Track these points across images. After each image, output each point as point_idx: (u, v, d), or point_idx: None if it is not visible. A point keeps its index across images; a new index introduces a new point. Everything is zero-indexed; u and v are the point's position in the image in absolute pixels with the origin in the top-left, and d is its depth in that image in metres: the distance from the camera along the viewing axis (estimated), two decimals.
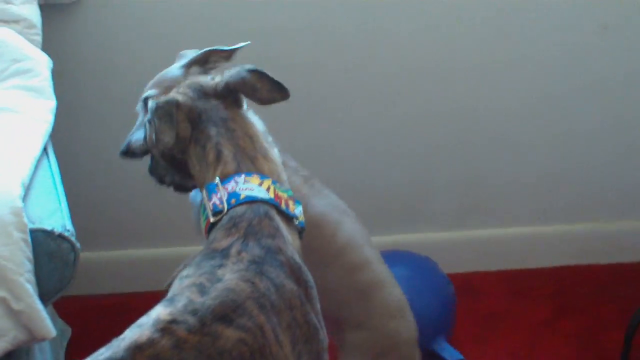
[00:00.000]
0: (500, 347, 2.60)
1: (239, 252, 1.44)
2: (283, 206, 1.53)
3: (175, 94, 1.57)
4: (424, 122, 2.74)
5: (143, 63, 2.49)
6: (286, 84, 1.59)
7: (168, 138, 1.52)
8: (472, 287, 2.82)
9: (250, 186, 1.51)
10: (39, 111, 1.85)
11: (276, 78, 1.59)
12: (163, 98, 1.56)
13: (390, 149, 2.76)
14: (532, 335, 2.64)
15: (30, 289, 1.55)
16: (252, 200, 1.50)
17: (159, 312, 1.34)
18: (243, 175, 1.51)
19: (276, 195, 1.52)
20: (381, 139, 2.74)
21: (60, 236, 1.61)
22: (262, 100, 1.59)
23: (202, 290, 1.38)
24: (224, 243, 1.46)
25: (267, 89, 1.58)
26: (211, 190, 1.52)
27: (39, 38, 2.09)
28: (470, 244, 2.89)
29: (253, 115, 1.64)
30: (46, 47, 2.18)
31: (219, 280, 1.39)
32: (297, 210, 1.56)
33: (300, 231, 1.57)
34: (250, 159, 1.55)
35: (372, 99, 2.69)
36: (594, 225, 2.92)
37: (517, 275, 2.88)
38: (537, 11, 2.61)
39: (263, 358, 1.37)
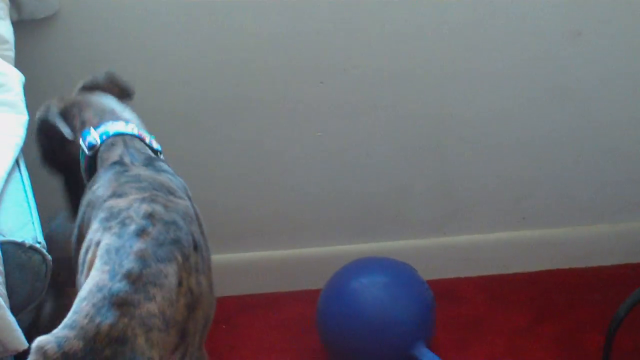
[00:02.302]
0: (480, 352, 2.60)
1: (131, 161, 1.71)
2: (147, 141, 1.80)
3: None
4: (402, 129, 2.74)
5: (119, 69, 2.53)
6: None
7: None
8: (452, 293, 2.83)
9: (118, 126, 1.79)
10: (10, 126, 1.86)
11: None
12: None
13: (368, 155, 2.76)
14: (513, 340, 2.64)
15: (0, 300, 1.56)
16: (121, 134, 1.77)
17: (130, 197, 1.58)
18: (110, 122, 1.80)
19: (140, 133, 1.80)
20: (358, 146, 2.75)
21: (32, 248, 1.62)
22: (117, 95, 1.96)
23: (135, 181, 1.63)
24: (113, 156, 1.72)
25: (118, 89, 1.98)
26: (85, 135, 1.79)
27: (11, 54, 2.10)
28: (451, 251, 2.90)
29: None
30: (20, 63, 2.19)
31: (139, 174, 1.66)
32: (159, 147, 1.83)
33: None
34: (112, 114, 1.84)
35: (349, 106, 2.69)
36: (573, 230, 2.93)
37: (497, 281, 2.89)
38: (513, 17, 2.62)
39: (194, 221, 1.64)
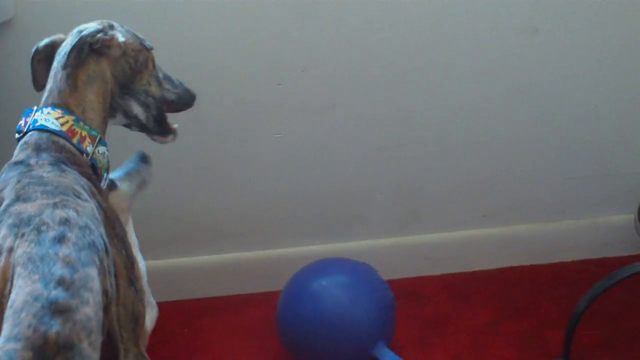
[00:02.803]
0: (443, 351, 2.60)
1: (36, 162, 1.65)
2: (75, 140, 1.72)
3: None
4: (362, 129, 2.75)
5: None
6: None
7: None
8: (414, 292, 2.83)
9: (47, 117, 1.72)
10: None
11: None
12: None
13: (328, 156, 2.77)
14: (476, 337, 2.64)
15: None
16: (42, 129, 1.71)
17: (39, 202, 1.54)
18: (48, 108, 1.73)
19: (71, 130, 1.72)
20: (318, 146, 2.76)
21: None
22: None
23: (40, 184, 1.59)
24: (21, 156, 1.67)
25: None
26: (25, 114, 1.75)
27: None
28: (412, 250, 2.90)
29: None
30: None
31: (42, 176, 1.61)
32: (95, 149, 1.75)
33: (93, 167, 1.76)
34: (61, 94, 1.76)
35: (308, 106, 2.70)
36: (534, 227, 2.95)
37: (459, 279, 2.90)
38: (468, 13, 2.63)
39: (101, 223, 1.60)
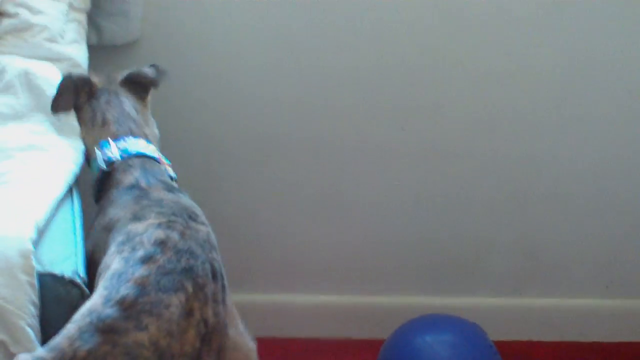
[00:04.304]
0: None
1: (149, 185, 1.67)
2: (163, 167, 1.77)
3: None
4: (487, 178, 2.64)
5: (199, 105, 2.50)
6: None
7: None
8: (525, 357, 2.69)
9: (139, 145, 1.77)
10: (67, 151, 1.82)
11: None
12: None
13: (448, 204, 2.66)
14: None
15: (31, 333, 1.50)
16: (141, 155, 1.75)
17: (148, 221, 1.54)
18: (132, 138, 1.78)
19: (159, 157, 1.79)
20: (438, 194, 2.65)
21: (71, 282, 1.56)
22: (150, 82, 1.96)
23: (157, 205, 1.59)
24: (129, 179, 1.69)
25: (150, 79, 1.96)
26: (103, 146, 1.77)
27: None
28: (527, 312, 2.76)
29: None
30: None
31: (161, 198, 1.62)
32: (174, 174, 1.81)
33: None
34: (136, 125, 1.83)
35: (431, 152, 2.60)
36: None
37: (574, 349, 2.74)
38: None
39: (217, 249, 1.59)
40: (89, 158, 1.85)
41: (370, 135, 2.58)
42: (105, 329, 1.33)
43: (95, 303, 1.38)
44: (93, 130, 1.84)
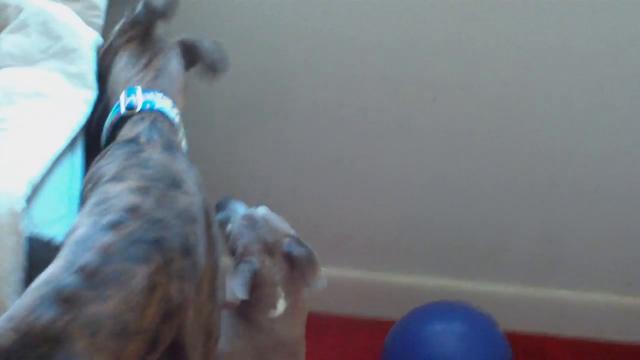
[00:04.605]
0: None
1: (148, 141, 1.56)
2: (180, 136, 1.67)
3: None
4: (514, 161, 2.51)
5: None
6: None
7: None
8: (538, 353, 2.58)
9: (164, 104, 1.65)
10: (75, 102, 1.70)
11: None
12: None
13: (471, 184, 2.54)
14: None
15: (16, 299, 1.40)
16: (161, 112, 1.64)
17: (125, 184, 1.43)
18: (161, 94, 1.66)
19: (178, 123, 1.68)
20: (463, 173, 2.53)
21: (59, 248, 1.45)
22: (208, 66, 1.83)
23: (142, 166, 1.48)
24: (133, 132, 1.58)
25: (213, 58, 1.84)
26: (130, 92, 1.66)
27: (99, 21, 1.93)
28: (543, 304, 2.65)
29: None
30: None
31: (150, 159, 1.51)
32: (184, 148, 1.70)
33: None
34: (172, 85, 1.72)
35: (459, 128, 2.47)
36: None
37: (592, 347, 2.63)
38: None
39: (197, 224, 1.46)
40: (107, 104, 1.72)
41: (398, 107, 2.45)
42: (65, 299, 1.22)
43: (55, 270, 1.27)
44: (130, 71, 1.73)
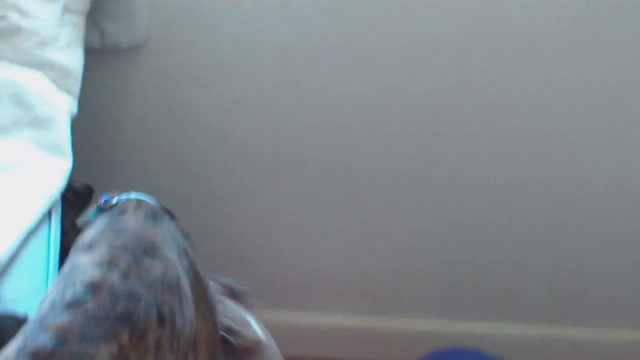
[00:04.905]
0: None
1: (135, 208, 1.50)
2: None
3: None
4: (516, 203, 2.45)
5: (206, 112, 2.33)
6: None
7: None
8: None
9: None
10: (49, 172, 1.66)
11: None
12: None
13: (473, 227, 2.49)
14: None
15: None
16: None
17: (91, 256, 1.36)
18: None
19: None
20: (463, 215, 2.47)
21: None
22: None
23: (115, 233, 1.41)
24: (117, 207, 1.51)
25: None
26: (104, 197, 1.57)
27: (75, 88, 1.90)
28: (558, 343, 2.58)
29: None
30: (98, 96, 2.02)
31: (126, 226, 1.44)
32: None
33: None
34: None
35: (455, 172, 2.42)
36: None
37: None
38: None
39: (179, 289, 1.40)
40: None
41: (398, 152, 2.40)
42: None
43: (8, 353, 1.21)
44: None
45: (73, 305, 1.26)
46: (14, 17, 1.87)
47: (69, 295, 1.27)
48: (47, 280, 1.51)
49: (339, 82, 2.30)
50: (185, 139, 2.34)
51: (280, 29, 2.23)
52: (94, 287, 1.29)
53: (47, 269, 1.53)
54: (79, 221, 1.69)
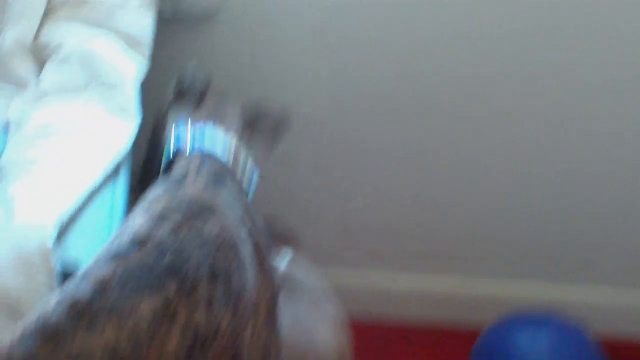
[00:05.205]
0: None
1: (192, 179, 1.47)
2: (239, 174, 1.56)
3: None
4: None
5: (280, 85, 2.32)
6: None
7: None
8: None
9: (215, 140, 1.56)
10: (115, 134, 1.69)
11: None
12: None
13: (561, 179, 2.43)
14: None
15: None
16: (210, 157, 1.54)
17: (146, 215, 1.35)
18: (213, 123, 1.59)
19: (234, 167, 1.56)
20: (553, 168, 2.42)
21: None
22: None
23: (171, 199, 1.40)
24: (180, 171, 1.50)
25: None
26: (179, 128, 1.59)
27: (144, 55, 1.91)
28: None
29: None
30: (175, 62, 2.05)
31: (183, 194, 1.43)
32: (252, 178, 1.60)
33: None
34: (222, 121, 1.61)
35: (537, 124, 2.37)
36: None
37: None
38: None
39: (235, 253, 1.36)
40: (161, 132, 1.67)
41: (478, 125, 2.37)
42: (48, 334, 1.16)
43: (48, 305, 1.22)
44: (182, 100, 1.67)
45: (116, 257, 1.26)
46: None
47: (113, 248, 1.29)
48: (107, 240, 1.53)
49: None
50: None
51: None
52: (139, 240, 1.29)
53: (110, 227, 1.56)
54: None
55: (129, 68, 1.84)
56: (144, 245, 1.28)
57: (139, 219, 1.36)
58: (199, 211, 1.38)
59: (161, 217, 1.34)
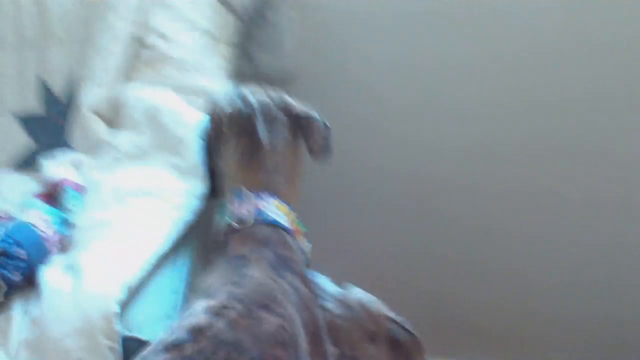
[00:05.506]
0: None
1: (257, 259, 1.43)
2: (298, 239, 1.53)
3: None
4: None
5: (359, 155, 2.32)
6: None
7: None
8: None
9: (278, 213, 1.51)
10: (182, 198, 1.68)
11: None
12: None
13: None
14: None
15: None
16: (275, 224, 1.49)
17: (207, 302, 1.34)
18: (275, 200, 1.52)
19: (296, 230, 1.53)
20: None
21: None
22: (310, 148, 1.62)
23: (236, 284, 1.38)
24: (240, 250, 1.45)
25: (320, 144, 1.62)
26: (238, 196, 1.52)
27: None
28: None
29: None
30: None
31: (248, 276, 1.40)
32: (307, 248, 1.56)
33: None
34: (284, 179, 1.56)
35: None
36: None
37: None
38: None
39: (295, 346, 1.36)
40: (216, 194, 1.61)
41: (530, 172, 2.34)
42: None
43: None
44: (237, 168, 1.55)
45: (172, 347, 1.26)
46: (162, 46, 1.94)
47: (172, 337, 1.28)
48: (172, 306, 1.52)
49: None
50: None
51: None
52: (197, 332, 1.28)
53: (171, 299, 1.55)
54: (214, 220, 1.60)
55: (193, 117, 1.81)
56: (201, 337, 1.28)
57: (202, 303, 1.34)
58: (260, 303, 1.36)
59: (222, 309, 1.33)
